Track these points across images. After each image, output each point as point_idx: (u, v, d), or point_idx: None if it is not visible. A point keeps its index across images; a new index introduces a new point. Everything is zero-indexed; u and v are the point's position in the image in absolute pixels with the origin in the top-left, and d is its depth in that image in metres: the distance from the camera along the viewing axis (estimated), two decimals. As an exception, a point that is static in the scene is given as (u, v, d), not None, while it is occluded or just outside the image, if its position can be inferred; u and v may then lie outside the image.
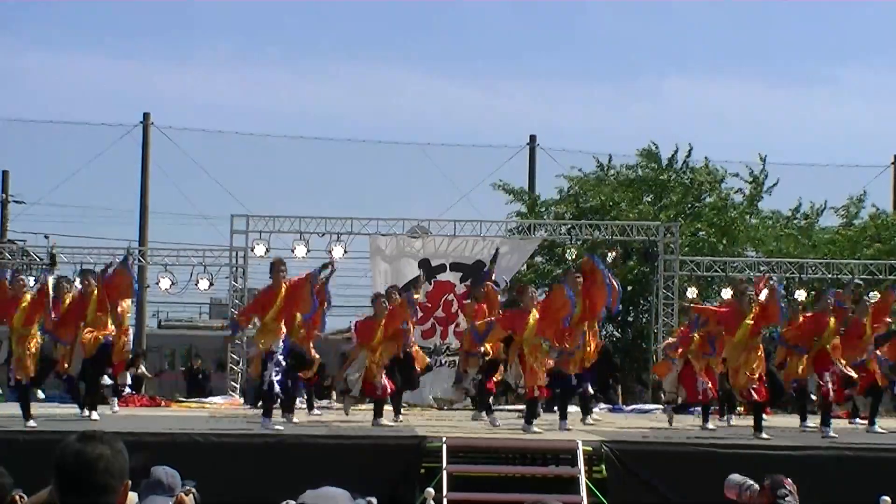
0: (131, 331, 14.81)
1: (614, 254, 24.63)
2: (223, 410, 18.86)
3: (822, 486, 11.99)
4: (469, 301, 17.28)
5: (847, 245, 30.59)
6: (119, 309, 15.82)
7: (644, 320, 28.83)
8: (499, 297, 16.66)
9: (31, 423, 13.62)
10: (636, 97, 66.48)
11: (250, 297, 24.87)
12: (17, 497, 5.74)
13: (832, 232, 32.27)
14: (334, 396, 18.52)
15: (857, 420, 16.96)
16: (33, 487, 5.52)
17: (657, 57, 67.12)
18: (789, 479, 6.51)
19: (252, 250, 23.59)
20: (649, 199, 31.21)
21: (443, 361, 21.97)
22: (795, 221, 32.53)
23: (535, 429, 14.14)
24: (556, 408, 15.61)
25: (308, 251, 23.55)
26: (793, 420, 16.24)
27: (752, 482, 6.77)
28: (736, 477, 6.84)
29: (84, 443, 3.46)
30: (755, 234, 31.35)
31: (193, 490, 6.83)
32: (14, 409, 14.36)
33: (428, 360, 17.58)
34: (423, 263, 22.95)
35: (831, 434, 14.23)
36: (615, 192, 30.81)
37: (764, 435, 13.85)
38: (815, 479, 11.94)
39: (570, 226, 26.26)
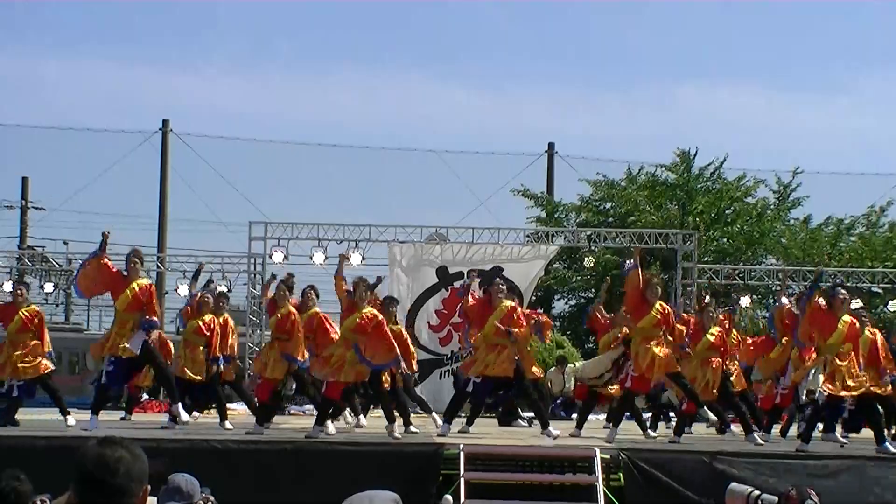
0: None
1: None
2: (242, 417, 18.85)
3: (838, 495, 12.01)
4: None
5: (868, 253, 30.50)
6: None
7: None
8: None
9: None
10: (650, 105, 66.48)
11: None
12: (39, 501, 5.75)
13: (856, 237, 32.20)
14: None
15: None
16: (53, 493, 5.53)
17: (671, 65, 67.14)
18: (813, 490, 6.50)
19: (270, 257, 23.64)
20: (675, 207, 31.21)
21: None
22: (825, 230, 32.36)
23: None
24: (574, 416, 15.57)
25: (326, 258, 23.59)
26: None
27: (757, 491, 6.73)
28: (737, 486, 6.82)
29: (104, 446, 3.50)
30: (779, 241, 31.30)
31: (211, 497, 6.84)
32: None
33: None
34: (441, 270, 22.95)
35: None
36: (640, 196, 30.81)
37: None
38: (832, 487, 11.98)
39: (589, 233, 26.20)
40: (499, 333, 14.31)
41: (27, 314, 14.77)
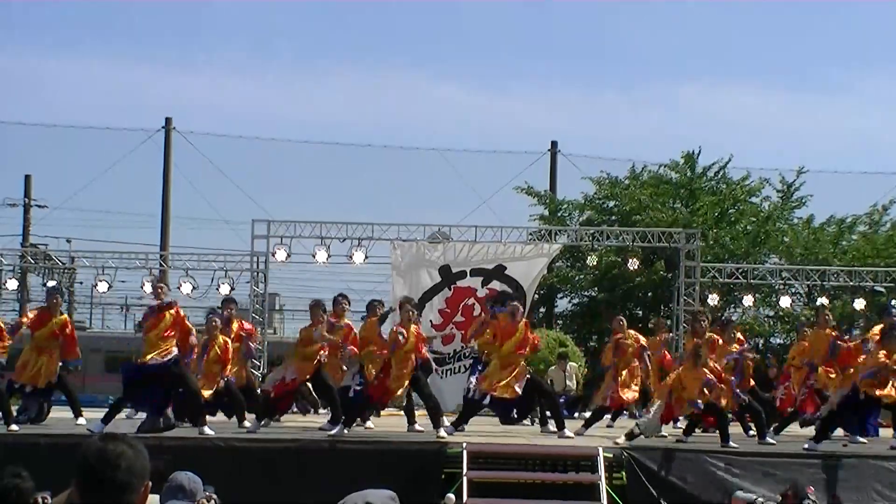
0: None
1: (637, 261, 24.57)
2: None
3: (839, 494, 12.00)
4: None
5: (871, 252, 30.47)
6: None
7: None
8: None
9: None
10: (652, 105, 66.55)
11: (272, 301, 24.94)
12: (41, 498, 5.74)
13: (859, 236, 32.17)
14: None
15: None
16: (53, 491, 5.52)
17: (672, 64, 67.19)
18: (812, 487, 6.50)
19: (273, 255, 23.64)
20: (678, 206, 31.19)
21: (466, 367, 21.86)
22: (827, 230, 32.32)
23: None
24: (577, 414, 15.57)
25: (329, 256, 23.59)
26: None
27: (761, 499, 6.74)
28: (742, 494, 6.82)
29: (106, 441, 3.50)
30: (782, 241, 31.29)
31: (214, 496, 6.83)
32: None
33: None
34: (444, 269, 22.93)
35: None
36: (644, 194, 30.79)
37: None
38: (833, 486, 11.97)
39: (592, 231, 26.17)
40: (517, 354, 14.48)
41: (58, 325, 15.21)
